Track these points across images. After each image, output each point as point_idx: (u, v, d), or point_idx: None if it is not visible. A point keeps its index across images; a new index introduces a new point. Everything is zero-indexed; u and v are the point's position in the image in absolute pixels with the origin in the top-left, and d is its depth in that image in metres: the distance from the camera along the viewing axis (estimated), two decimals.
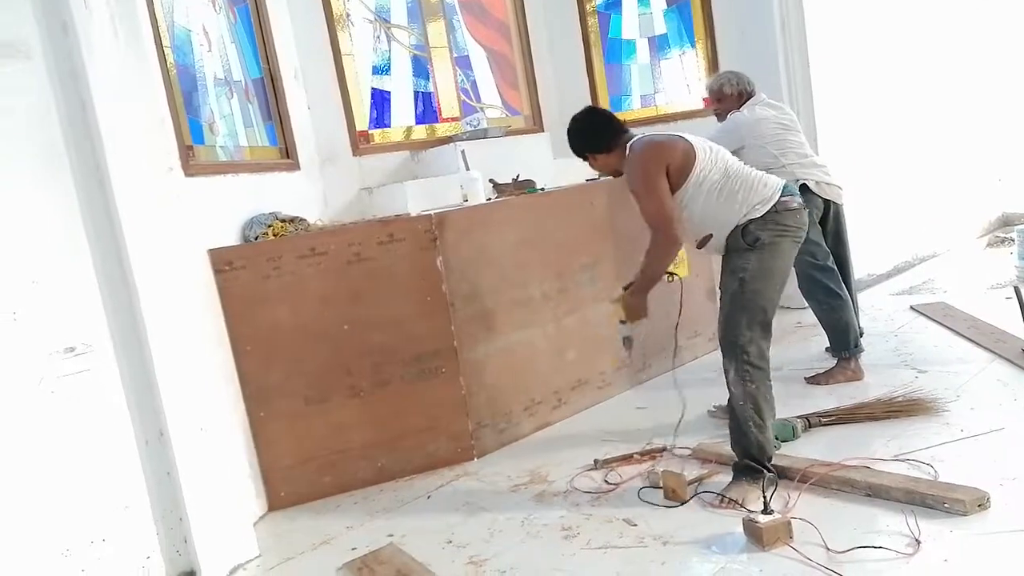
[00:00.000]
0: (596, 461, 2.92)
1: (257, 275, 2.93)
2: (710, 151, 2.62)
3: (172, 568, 2.43)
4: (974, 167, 6.59)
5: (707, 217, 2.59)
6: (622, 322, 2.79)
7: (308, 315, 2.98)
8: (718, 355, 2.64)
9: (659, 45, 5.19)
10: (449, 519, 2.68)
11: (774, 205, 2.52)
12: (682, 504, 2.49)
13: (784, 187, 2.59)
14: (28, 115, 2.19)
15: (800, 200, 2.62)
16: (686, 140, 2.62)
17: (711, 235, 2.62)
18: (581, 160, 2.82)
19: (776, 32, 4.75)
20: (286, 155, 3.78)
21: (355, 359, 3.05)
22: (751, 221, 2.52)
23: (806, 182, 3.52)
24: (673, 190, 2.54)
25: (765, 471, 2.44)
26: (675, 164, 2.53)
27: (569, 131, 2.77)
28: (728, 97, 3.73)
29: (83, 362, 2.27)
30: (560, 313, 3.56)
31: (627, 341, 2.84)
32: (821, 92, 4.87)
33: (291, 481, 3.01)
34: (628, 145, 2.65)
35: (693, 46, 5.11)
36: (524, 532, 2.49)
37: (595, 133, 2.71)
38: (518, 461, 3.12)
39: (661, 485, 2.59)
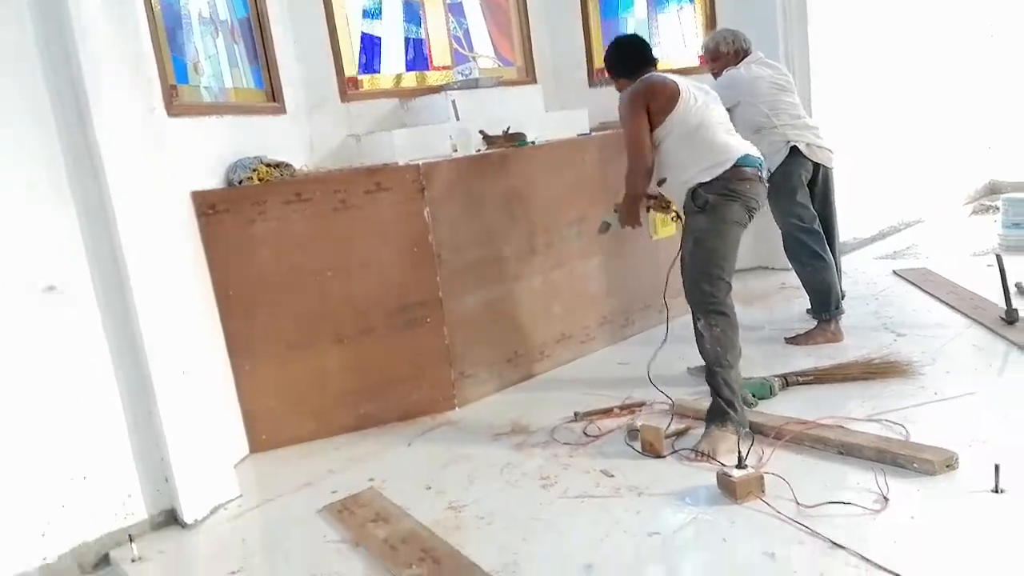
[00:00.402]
0: (576, 414, 2.96)
1: (241, 219, 2.90)
2: (695, 101, 2.75)
3: (153, 506, 2.46)
4: (964, 134, 6.60)
5: (668, 159, 2.80)
6: (610, 221, 3.03)
7: (292, 261, 2.97)
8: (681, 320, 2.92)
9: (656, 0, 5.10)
10: (429, 466, 2.72)
11: (726, 171, 2.68)
12: (659, 458, 2.54)
13: (744, 158, 2.72)
14: (5, 50, 2.13)
15: (761, 173, 2.75)
16: (679, 86, 2.76)
17: (666, 179, 2.86)
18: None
19: None
20: (272, 98, 3.70)
21: (339, 306, 3.05)
22: (700, 185, 2.71)
23: (797, 144, 3.51)
24: (653, 127, 2.77)
25: (732, 412, 2.60)
26: (657, 104, 2.75)
27: (608, 47, 3.03)
28: (724, 56, 3.70)
29: (63, 300, 2.25)
30: (547, 267, 3.56)
31: (604, 225, 3.05)
32: (817, 53, 4.83)
33: (273, 425, 3.03)
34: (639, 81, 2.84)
35: (691, 1, 5.02)
36: (503, 480, 2.54)
37: (619, 59, 2.96)
38: (499, 411, 3.16)
39: (640, 442, 2.63)
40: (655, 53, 2.99)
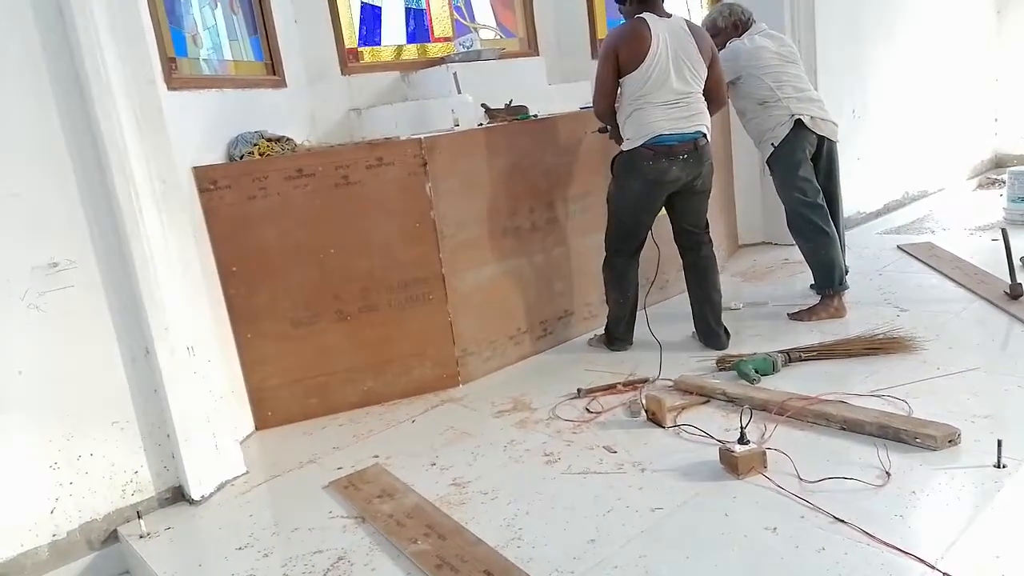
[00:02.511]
0: (579, 390, 2.97)
1: (242, 195, 2.88)
2: (656, 66, 2.96)
3: (160, 483, 2.47)
4: (969, 107, 6.54)
5: (619, 110, 3.13)
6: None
7: (295, 237, 2.96)
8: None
9: None
10: (433, 442, 2.73)
11: (636, 147, 3.05)
12: (660, 427, 2.56)
13: (657, 136, 3.01)
14: (2, 21, 2.09)
15: (667, 152, 3.03)
16: (651, 43, 2.96)
17: (605, 129, 3.29)
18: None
19: None
20: (272, 71, 3.67)
21: (342, 283, 3.04)
22: (621, 152, 3.15)
23: (801, 117, 3.48)
24: (621, 73, 3.03)
25: (613, 339, 3.40)
26: (623, 55, 3.00)
27: None
28: (723, 30, 3.66)
29: (67, 278, 2.24)
30: (549, 243, 3.55)
31: (602, 129, 3.37)
32: (823, 25, 4.76)
33: (278, 402, 3.04)
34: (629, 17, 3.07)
35: None
36: (507, 456, 2.55)
37: None
38: (502, 388, 3.17)
39: (644, 410, 2.65)
40: None
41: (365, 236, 3.04)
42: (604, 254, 3.34)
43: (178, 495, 2.50)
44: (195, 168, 2.82)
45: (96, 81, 2.20)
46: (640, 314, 3.38)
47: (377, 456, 2.66)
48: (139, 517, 2.35)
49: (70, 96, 2.21)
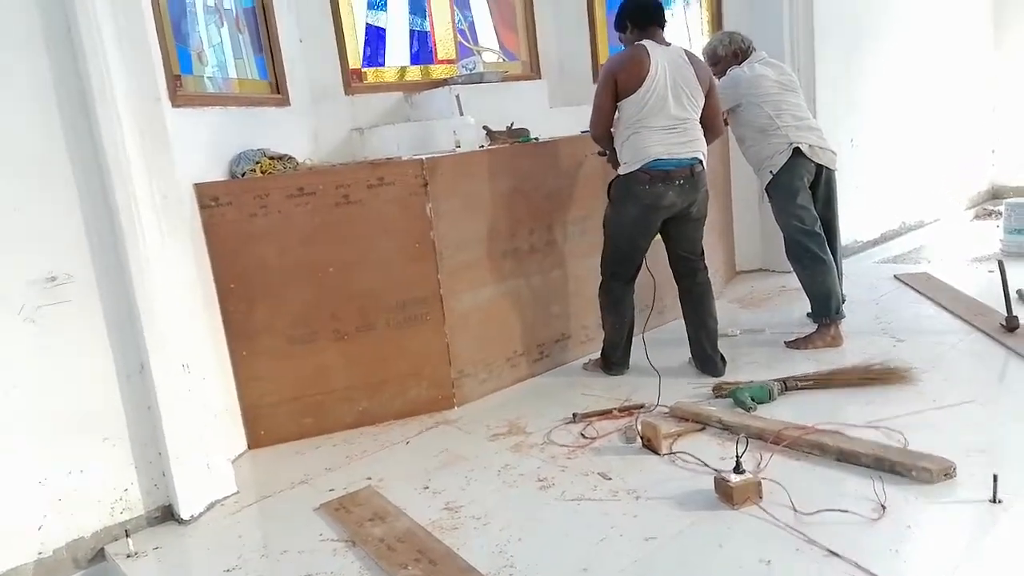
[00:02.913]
0: (575, 415, 2.96)
1: (243, 212, 2.89)
2: (654, 91, 3.00)
3: (149, 501, 2.45)
4: (967, 137, 6.59)
5: (616, 133, 3.16)
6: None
7: (294, 255, 2.96)
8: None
9: None
10: (427, 465, 2.72)
11: (633, 171, 3.08)
12: (657, 455, 2.55)
13: (654, 161, 3.03)
14: (10, 35, 2.10)
15: (663, 177, 3.04)
16: (649, 68, 3.00)
17: (604, 152, 3.31)
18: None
19: None
20: (276, 90, 3.69)
21: (340, 302, 3.04)
22: (617, 177, 3.17)
23: (799, 145, 3.50)
24: (619, 97, 3.07)
25: (609, 364, 3.40)
26: (621, 79, 3.04)
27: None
28: (723, 59, 3.70)
29: (64, 292, 2.24)
30: (547, 266, 3.55)
31: (600, 153, 3.38)
32: (823, 54, 4.81)
33: (272, 421, 3.02)
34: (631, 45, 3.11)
35: None
36: (500, 481, 2.53)
37: (621, 14, 3.18)
38: (498, 411, 3.15)
39: (639, 436, 2.64)
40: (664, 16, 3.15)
41: (364, 255, 3.04)
42: (600, 282, 3.34)
43: (167, 514, 2.48)
44: (197, 184, 2.83)
45: (102, 98, 2.21)
46: (637, 340, 3.38)
47: (370, 478, 2.64)
48: (127, 536, 2.32)
49: (75, 112, 2.22)
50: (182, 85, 2.94)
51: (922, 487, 2.20)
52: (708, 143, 3.20)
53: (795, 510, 2.13)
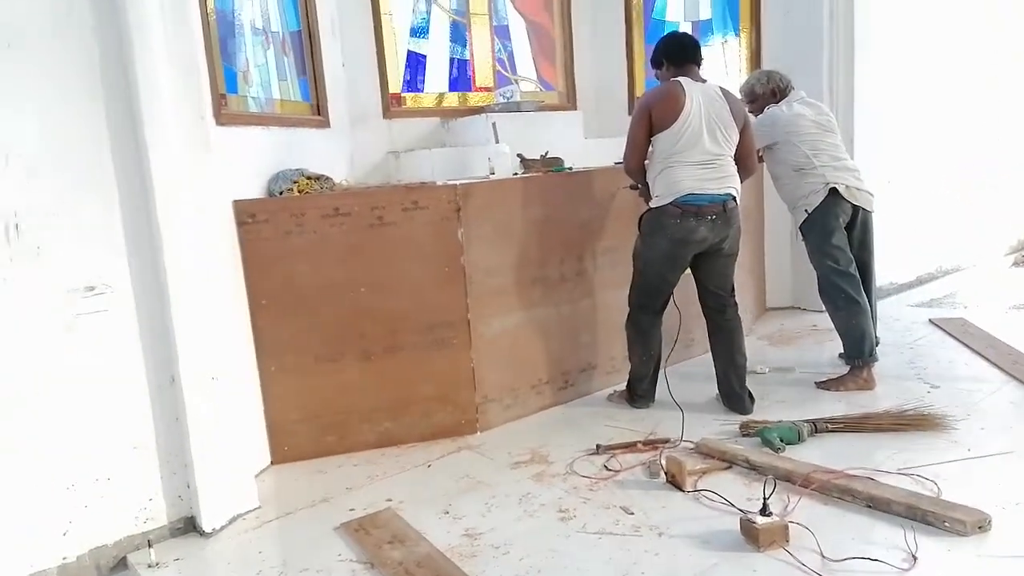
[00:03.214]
0: (598, 446, 2.93)
1: (279, 230, 2.93)
2: (689, 126, 3.01)
3: (173, 512, 2.47)
4: (1007, 182, 6.48)
5: (649, 167, 3.18)
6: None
7: (326, 274, 2.99)
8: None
9: (702, 30, 5.09)
10: (448, 489, 2.70)
11: (664, 204, 3.09)
12: (681, 492, 2.51)
13: (686, 196, 3.04)
14: (67, 48, 2.17)
15: (695, 211, 3.04)
16: (684, 104, 3.02)
17: (636, 186, 3.34)
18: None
19: (824, 25, 4.65)
20: (317, 112, 3.76)
21: (369, 322, 3.06)
22: (649, 210, 3.18)
23: (836, 186, 3.47)
24: (654, 131, 3.09)
25: (635, 396, 3.38)
26: (656, 113, 3.07)
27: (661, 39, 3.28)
28: (760, 96, 3.70)
29: (102, 302, 2.28)
30: (576, 295, 3.55)
31: (633, 186, 3.42)
32: (863, 94, 4.78)
33: (296, 437, 3.04)
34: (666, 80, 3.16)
35: (737, 34, 5.02)
36: (521, 510, 2.51)
37: (658, 51, 3.22)
38: (521, 438, 3.14)
39: (664, 471, 2.61)
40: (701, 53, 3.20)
41: (395, 277, 3.07)
42: (628, 314, 3.34)
43: (190, 526, 2.49)
44: (235, 201, 2.88)
45: (149, 113, 2.27)
46: (673, 368, 3.34)
47: (390, 500, 2.64)
48: (149, 546, 2.34)
49: (124, 125, 2.28)
50: (227, 104, 3.01)
51: (955, 539, 2.14)
52: (741, 181, 3.19)
53: (823, 556, 2.08)
